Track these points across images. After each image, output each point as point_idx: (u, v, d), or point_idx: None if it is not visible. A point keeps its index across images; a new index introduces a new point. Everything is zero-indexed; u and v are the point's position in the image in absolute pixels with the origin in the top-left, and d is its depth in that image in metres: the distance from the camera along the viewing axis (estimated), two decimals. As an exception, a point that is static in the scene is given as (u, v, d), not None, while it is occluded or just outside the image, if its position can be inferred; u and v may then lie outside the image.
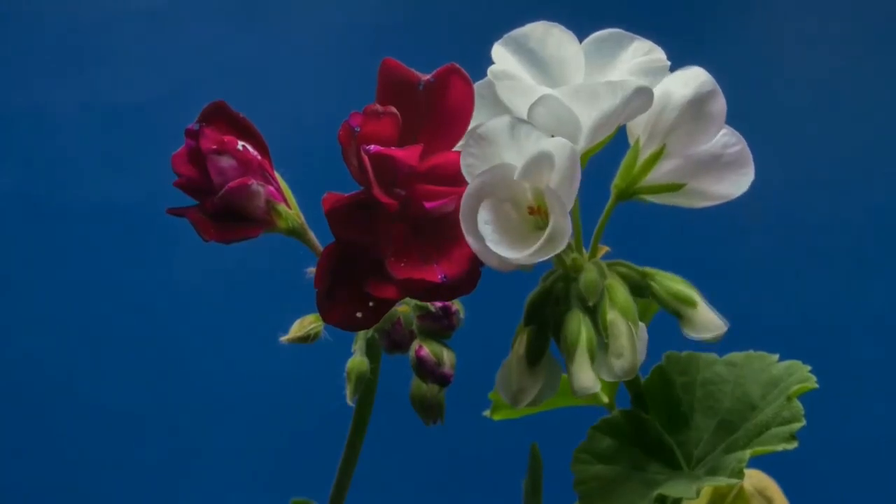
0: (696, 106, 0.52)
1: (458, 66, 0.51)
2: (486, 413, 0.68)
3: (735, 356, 0.59)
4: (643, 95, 0.49)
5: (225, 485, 1.31)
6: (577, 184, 0.48)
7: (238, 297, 1.33)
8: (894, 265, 1.34)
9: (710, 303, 0.53)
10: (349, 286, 0.50)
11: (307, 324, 0.57)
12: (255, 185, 0.53)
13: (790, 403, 0.53)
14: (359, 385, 0.58)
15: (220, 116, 0.55)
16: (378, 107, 0.50)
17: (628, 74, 0.51)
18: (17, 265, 1.33)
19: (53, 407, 1.31)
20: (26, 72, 1.35)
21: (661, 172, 0.53)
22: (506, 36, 0.52)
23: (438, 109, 0.51)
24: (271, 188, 0.54)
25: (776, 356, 0.58)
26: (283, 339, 0.57)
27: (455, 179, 0.49)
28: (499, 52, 0.52)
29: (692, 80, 0.52)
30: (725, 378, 0.58)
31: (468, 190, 0.48)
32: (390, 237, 0.50)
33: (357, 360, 0.58)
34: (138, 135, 1.33)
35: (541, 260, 0.48)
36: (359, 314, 0.50)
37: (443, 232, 0.50)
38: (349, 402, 0.58)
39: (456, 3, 1.41)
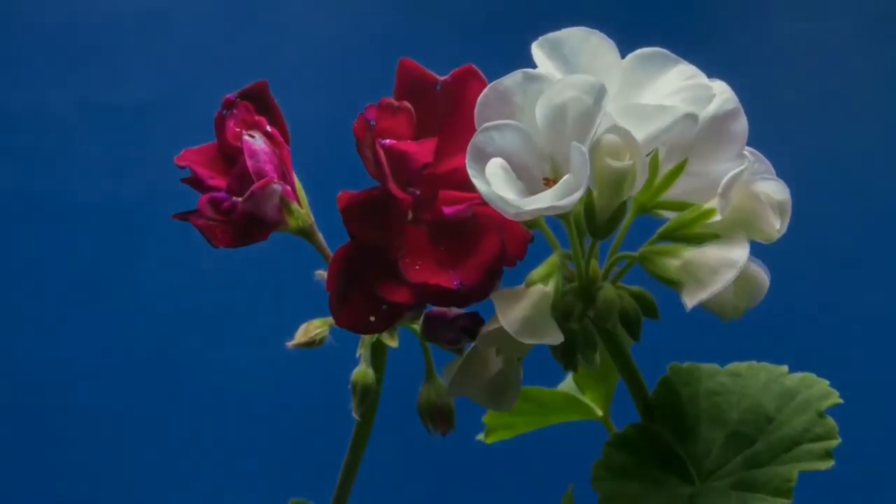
0: (718, 123, 0.51)
1: (475, 67, 0.51)
2: (480, 437, 0.67)
3: (738, 366, 0.58)
4: (689, 122, 0.49)
5: (225, 485, 1.30)
6: (596, 120, 0.46)
7: (239, 296, 1.32)
8: (892, 267, 1.34)
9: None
10: (362, 289, 0.49)
11: (313, 329, 0.57)
12: (276, 184, 0.53)
13: (823, 420, 0.53)
14: (364, 397, 0.57)
15: (257, 99, 0.54)
16: (393, 101, 0.50)
17: (674, 97, 0.50)
18: (17, 264, 1.33)
19: (54, 405, 1.30)
20: (26, 72, 1.35)
21: (682, 190, 0.51)
22: (542, 38, 0.50)
23: (455, 111, 0.51)
24: (287, 187, 0.54)
25: (784, 367, 0.57)
26: (290, 344, 0.56)
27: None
28: (536, 54, 0.50)
29: (716, 96, 0.51)
30: (730, 389, 0.57)
31: (474, 140, 0.47)
32: (406, 238, 0.50)
33: (362, 371, 0.57)
34: (138, 134, 1.33)
35: (545, 210, 0.46)
36: (371, 318, 0.49)
37: (460, 237, 0.49)
38: (355, 415, 0.58)
39: (457, 2, 1.41)
